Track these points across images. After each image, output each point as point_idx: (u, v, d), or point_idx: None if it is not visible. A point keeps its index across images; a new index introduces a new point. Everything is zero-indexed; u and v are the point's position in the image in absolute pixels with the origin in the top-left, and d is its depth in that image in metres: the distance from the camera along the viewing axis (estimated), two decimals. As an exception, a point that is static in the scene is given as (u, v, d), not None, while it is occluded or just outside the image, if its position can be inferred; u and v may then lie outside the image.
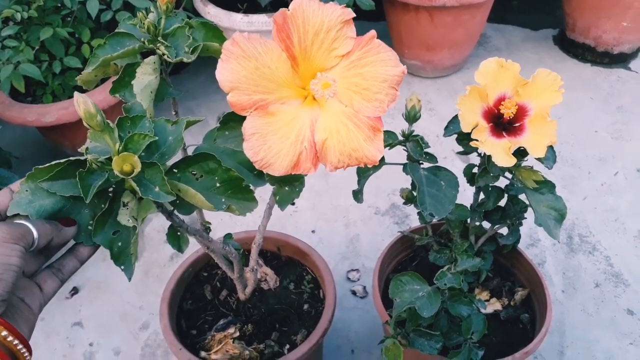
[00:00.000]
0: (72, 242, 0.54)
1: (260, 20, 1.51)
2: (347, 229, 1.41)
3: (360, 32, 0.55)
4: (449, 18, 1.67)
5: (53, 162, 0.49)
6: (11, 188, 0.51)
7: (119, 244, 0.52)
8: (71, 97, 1.45)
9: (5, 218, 0.50)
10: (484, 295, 0.96)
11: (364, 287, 1.26)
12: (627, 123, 1.67)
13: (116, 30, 0.79)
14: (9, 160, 1.32)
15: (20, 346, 0.44)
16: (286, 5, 0.54)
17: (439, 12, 1.65)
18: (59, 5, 1.41)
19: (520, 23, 2.14)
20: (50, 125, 1.38)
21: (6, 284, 0.43)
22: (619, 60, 1.89)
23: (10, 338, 0.44)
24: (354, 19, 0.56)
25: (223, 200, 0.58)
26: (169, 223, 0.65)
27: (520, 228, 0.92)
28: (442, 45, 1.77)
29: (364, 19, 1.90)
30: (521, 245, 0.97)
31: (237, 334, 0.91)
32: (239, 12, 1.58)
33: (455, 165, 1.49)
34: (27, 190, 0.50)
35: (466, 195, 0.90)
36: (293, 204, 0.68)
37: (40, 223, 0.48)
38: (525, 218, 0.88)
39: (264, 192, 0.66)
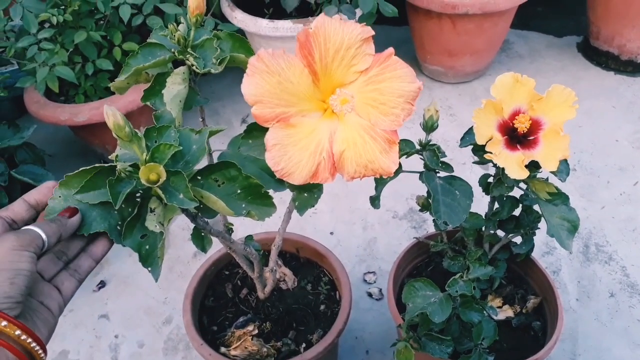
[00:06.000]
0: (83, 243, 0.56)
1: (286, 26, 1.54)
2: (365, 231, 1.43)
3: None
4: (471, 25, 1.69)
5: (81, 169, 0.52)
6: (25, 199, 0.54)
7: (147, 247, 0.55)
8: (102, 97, 1.51)
9: (20, 227, 0.52)
10: (497, 302, 0.98)
11: (380, 290, 1.29)
12: (649, 133, 1.67)
13: (148, 41, 0.83)
14: (43, 158, 1.37)
15: (34, 344, 0.47)
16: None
17: (461, 19, 1.67)
18: (93, 9, 1.47)
19: (545, 29, 2.13)
20: (82, 125, 1.44)
21: (18, 287, 0.46)
22: (644, 69, 1.89)
23: (24, 337, 0.46)
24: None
25: (243, 205, 0.60)
26: (193, 223, 0.69)
27: (536, 236, 0.93)
28: (464, 52, 1.79)
29: (387, 24, 1.93)
30: (537, 253, 0.99)
31: (256, 331, 0.94)
32: (265, 17, 1.61)
33: (475, 171, 1.50)
34: (59, 197, 0.53)
35: (483, 203, 0.92)
36: (312, 206, 0.71)
37: (46, 224, 0.51)
38: (539, 228, 0.89)
39: (285, 195, 0.69)
